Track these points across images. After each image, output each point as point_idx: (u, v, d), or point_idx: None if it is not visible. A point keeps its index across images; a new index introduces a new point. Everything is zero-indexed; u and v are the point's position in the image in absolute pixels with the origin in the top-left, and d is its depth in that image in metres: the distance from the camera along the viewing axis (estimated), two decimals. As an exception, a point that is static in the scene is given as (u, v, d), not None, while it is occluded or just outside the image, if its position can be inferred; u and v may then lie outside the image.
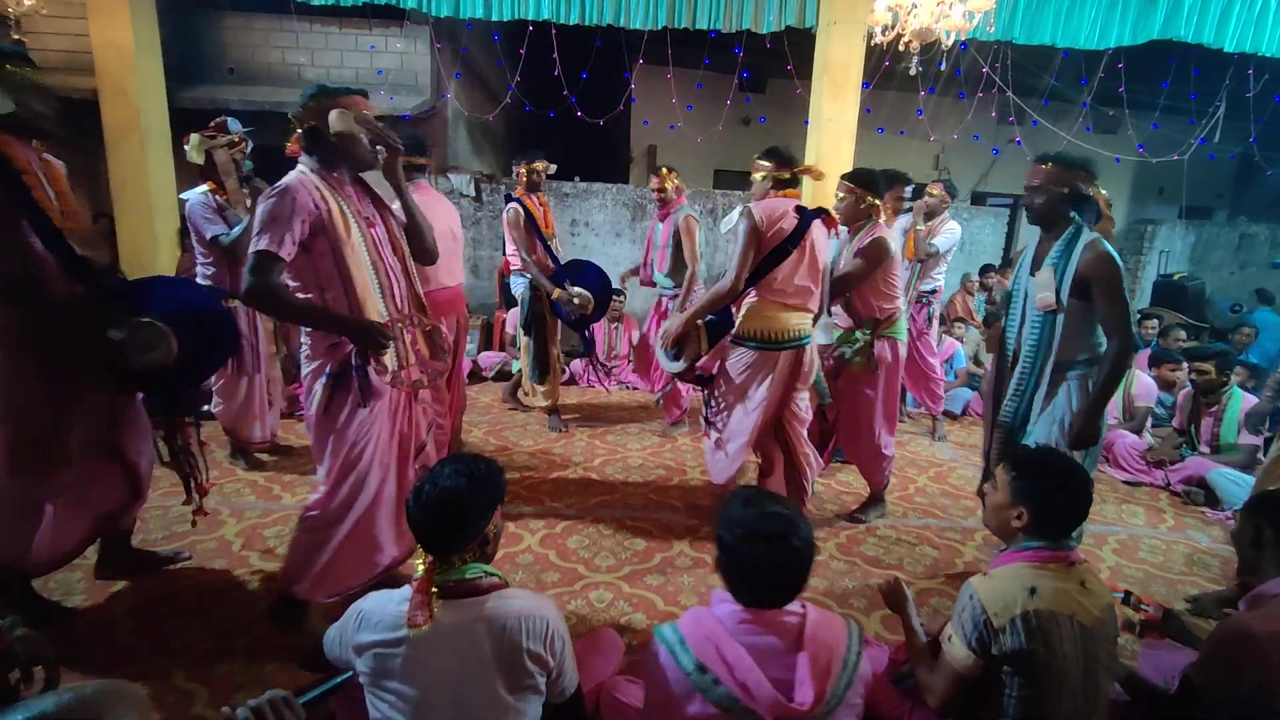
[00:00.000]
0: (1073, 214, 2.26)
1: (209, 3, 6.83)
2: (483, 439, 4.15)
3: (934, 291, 4.40)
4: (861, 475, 3.26)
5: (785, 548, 1.28)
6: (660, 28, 5.44)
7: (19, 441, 1.97)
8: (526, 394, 4.53)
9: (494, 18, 5.33)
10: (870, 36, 4.84)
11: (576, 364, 5.76)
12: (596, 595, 2.44)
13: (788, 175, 2.72)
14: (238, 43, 6.89)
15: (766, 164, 2.73)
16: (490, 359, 5.75)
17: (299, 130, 1.96)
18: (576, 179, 7.47)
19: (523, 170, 4.02)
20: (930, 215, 4.29)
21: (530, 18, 5.35)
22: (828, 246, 2.85)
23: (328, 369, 1.93)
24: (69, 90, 5.95)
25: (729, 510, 1.36)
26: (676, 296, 4.10)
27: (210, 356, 2.36)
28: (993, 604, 1.43)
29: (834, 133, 5.35)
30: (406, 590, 1.30)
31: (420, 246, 2.19)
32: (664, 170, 4.18)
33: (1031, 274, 2.32)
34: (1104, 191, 2.32)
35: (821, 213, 2.73)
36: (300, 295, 1.93)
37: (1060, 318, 2.24)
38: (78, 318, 1.99)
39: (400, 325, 2.04)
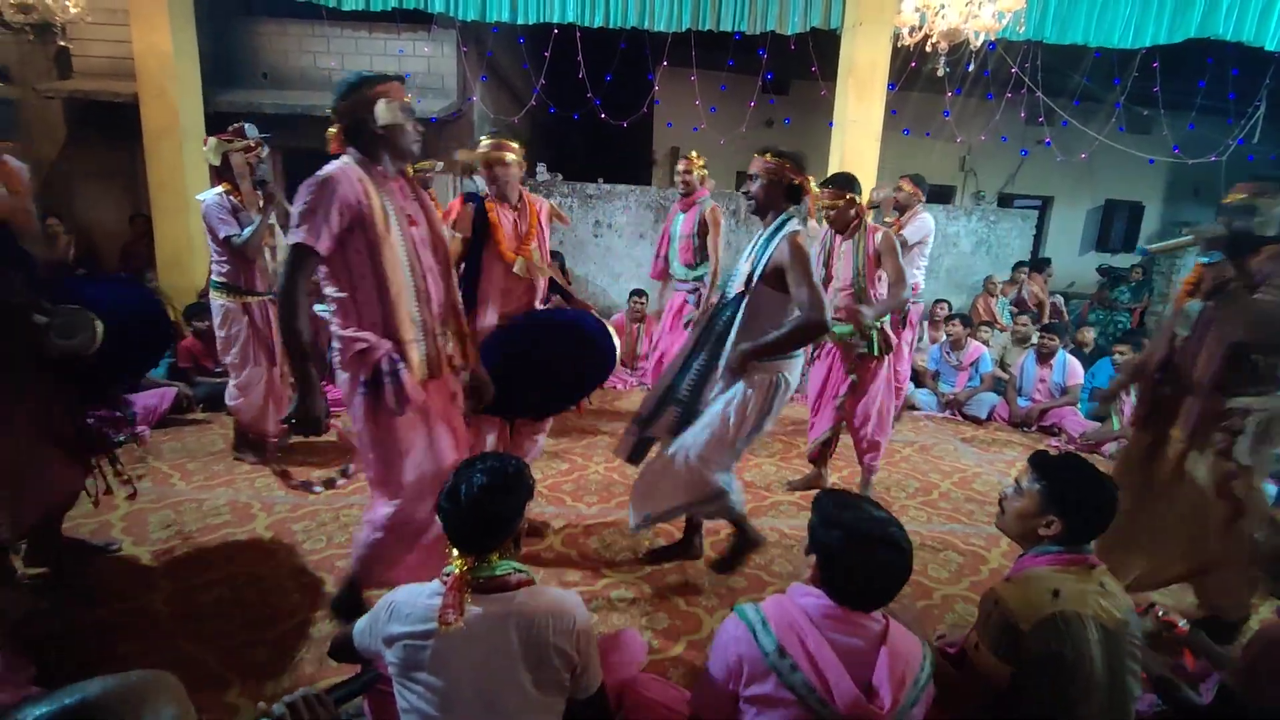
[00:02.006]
0: (790, 206, 2.32)
1: (244, 9, 7.00)
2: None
3: (911, 288, 4.35)
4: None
5: (897, 550, 1.31)
6: (684, 30, 5.45)
7: None
8: None
9: (519, 21, 5.39)
10: (897, 37, 4.80)
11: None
12: (618, 595, 2.45)
13: None
14: (271, 48, 7.05)
15: None
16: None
17: (340, 124, 1.86)
18: (600, 180, 7.50)
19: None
20: (902, 210, 4.22)
21: (555, 20, 5.41)
22: None
23: (361, 378, 1.84)
24: (111, 94, 6.16)
25: (828, 510, 1.38)
26: (696, 291, 4.12)
27: (139, 356, 2.39)
28: (1018, 608, 1.43)
29: (859, 134, 5.31)
30: (437, 584, 1.32)
31: None
32: (693, 155, 4.22)
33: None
34: (814, 187, 2.38)
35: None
36: (332, 292, 1.85)
37: (745, 300, 2.29)
38: (6, 304, 2.00)
39: (436, 331, 1.96)
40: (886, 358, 3.22)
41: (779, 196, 2.32)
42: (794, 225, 2.26)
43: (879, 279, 3.15)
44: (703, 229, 4.07)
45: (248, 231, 3.22)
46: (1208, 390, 2.16)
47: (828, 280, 3.25)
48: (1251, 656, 1.55)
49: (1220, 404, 2.15)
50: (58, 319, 2.01)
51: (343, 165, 1.80)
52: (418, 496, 1.92)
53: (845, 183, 3.16)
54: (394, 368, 1.83)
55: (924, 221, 4.19)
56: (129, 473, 2.46)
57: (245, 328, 3.37)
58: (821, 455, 3.47)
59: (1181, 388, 2.26)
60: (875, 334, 3.12)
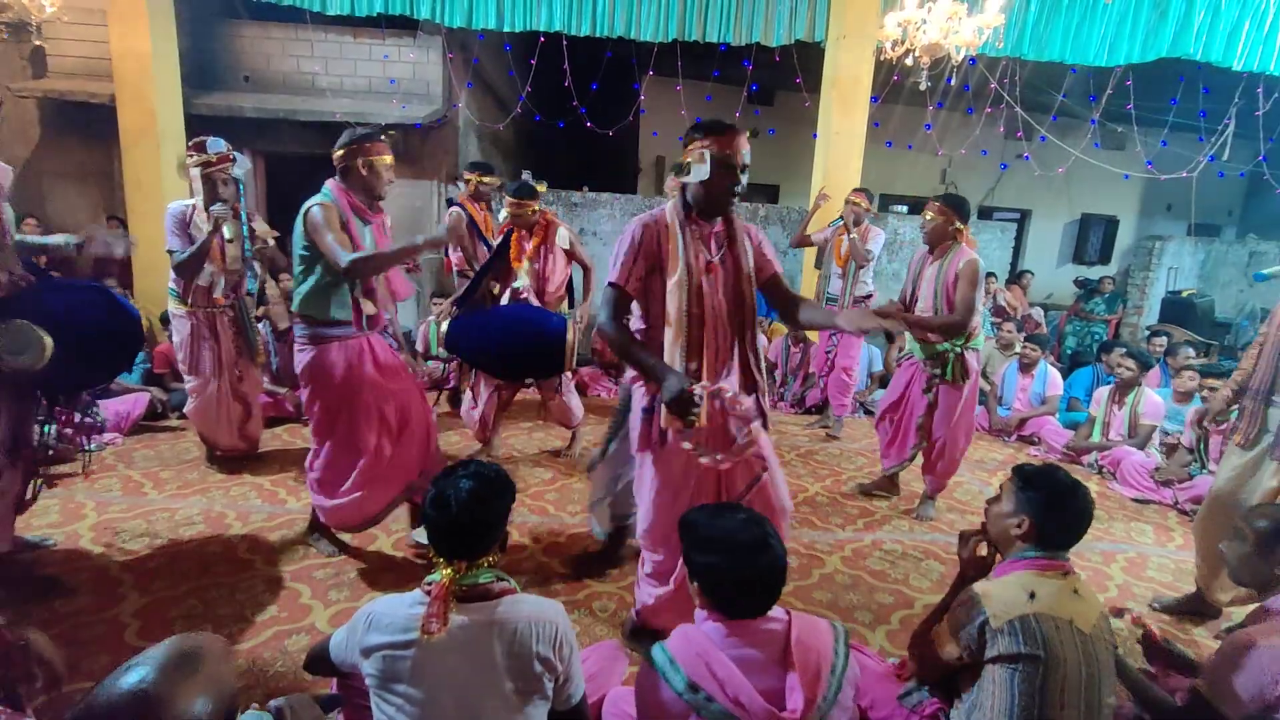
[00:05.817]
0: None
1: (227, 12, 6.93)
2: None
3: (869, 296, 4.56)
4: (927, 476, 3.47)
5: (768, 550, 1.32)
6: (670, 40, 5.49)
7: None
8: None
9: (505, 28, 5.40)
10: (879, 51, 4.87)
11: (585, 370, 5.76)
12: (600, 605, 2.43)
13: None
14: (254, 51, 6.97)
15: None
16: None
17: (675, 175, 2.02)
18: (585, 189, 7.50)
19: (473, 180, 4.24)
20: (857, 221, 4.43)
21: (542, 29, 5.42)
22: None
23: (643, 405, 1.95)
24: (87, 95, 6.05)
25: (698, 530, 1.39)
26: None
27: (103, 365, 2.39)
28: (992, 606, 1.46)
29: (842, 146, 5.38)
30: (418, 594, 1.30)
31: None
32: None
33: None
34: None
35: None
36: (638, 324, 2.04)
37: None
38: None
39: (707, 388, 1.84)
40: (965, 388, 3.19)
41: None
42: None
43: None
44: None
45: (187, 253, 3.14)
46: None
47: (914, 300, 3.28)
48: (1219, 662, 1.60)
49: None
50: (3, 337, 1.97)
51: (656, 213, 2.03)
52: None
53: (955, 204, 3.16)
54: (654, 404, 1.91)
55: (880, 235, 4.50)
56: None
57: (189, 335, 3.34)
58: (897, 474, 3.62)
59: None
60: (953, 359, 3.14)
